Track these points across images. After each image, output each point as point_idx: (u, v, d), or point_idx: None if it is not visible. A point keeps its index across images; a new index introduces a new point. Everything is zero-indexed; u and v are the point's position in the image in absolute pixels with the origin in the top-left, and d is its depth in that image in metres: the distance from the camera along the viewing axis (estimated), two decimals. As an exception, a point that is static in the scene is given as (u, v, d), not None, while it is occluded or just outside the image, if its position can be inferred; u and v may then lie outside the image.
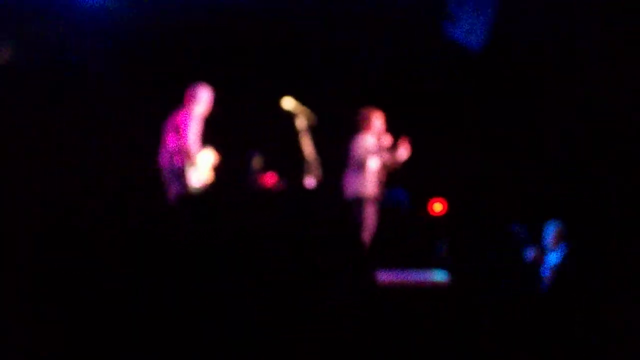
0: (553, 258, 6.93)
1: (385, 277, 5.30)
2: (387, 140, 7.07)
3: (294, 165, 6.86)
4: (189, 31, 8.44)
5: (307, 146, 6.68)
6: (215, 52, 8.52)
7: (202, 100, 6.83)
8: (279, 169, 7.27)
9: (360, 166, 6.97)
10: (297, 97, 6.77)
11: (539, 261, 6.94)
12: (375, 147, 6.97)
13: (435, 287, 5.23)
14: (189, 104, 6.77)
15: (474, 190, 8.65)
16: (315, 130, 6.74)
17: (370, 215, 6.94)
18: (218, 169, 6.92)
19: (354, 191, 6.92)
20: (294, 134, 6.73)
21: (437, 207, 8.81)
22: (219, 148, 6.99)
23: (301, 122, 6.73)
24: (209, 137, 6.93)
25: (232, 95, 8.06)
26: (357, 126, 7.08)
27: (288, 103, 6.72)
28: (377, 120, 7.08)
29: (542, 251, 7.07)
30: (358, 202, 6.88)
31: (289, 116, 6.75)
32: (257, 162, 7.01)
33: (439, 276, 5.78)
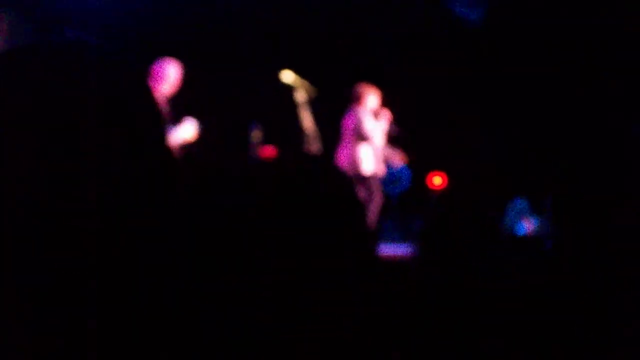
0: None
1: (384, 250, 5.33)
2: (386, 115, 7.06)
3: (293, 138, 6.88)
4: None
5: (307, 119, 6.70)
6: (216, 24, 8.49)
7: (167, 77, 6.13)
8: (278, 142, 7.28)
9: (352, 141, 6.96)
10: (297, 70, 6.77)
11: (538, 233, 6.99)
12: (367, 123, 6.94)
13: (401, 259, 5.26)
14: (154, 83, 6.07)
15: (474, 165, 8.69)
16: (315, 104, 6.75)
17: (366, 191, 6.95)
18: (218, 141, 6.91)
19: (347, 166, 6.91)
20: (293, 107, 6.75)
21: (437, 180, 8.84)
22: (218, 121, 6.98)
23: (301, 96, 6.73)
24: (209, 110, 6.89)
25: (232, 68, 8.06)
26: (351, 101, 7.06)
27: (287, 76, 6.71)
28: (372, 96, 7.06)
29: (542, 223, 7.11)
30: (355, 178, 6.88)
31: (289, 89, 6.77)
32: (256, 135, 7.01)
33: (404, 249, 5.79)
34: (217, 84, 7.08)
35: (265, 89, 7.72)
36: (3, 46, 7.46)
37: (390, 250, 5.94)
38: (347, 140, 7.00)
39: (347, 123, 7.00)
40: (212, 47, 7.28)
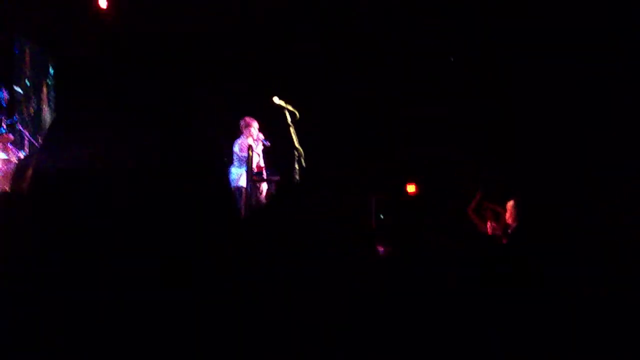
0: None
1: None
2: (265, 144, 8.53)
3: (284, 154, 7.89)
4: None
5: (294, 138, 7.68)
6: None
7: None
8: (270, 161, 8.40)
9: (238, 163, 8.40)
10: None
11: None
12: (247, 147, 8.19)
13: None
14: None
15: (444, 174, 9.63)
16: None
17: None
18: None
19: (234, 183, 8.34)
20: (284, 126, 7.73)
21: (410, 188, 9.85)
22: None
23: (289, 117, 7.71)
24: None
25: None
26: (238, 131, 8.54)
27: (277, 100, 7.69)
28: (254, 127, 8.47)
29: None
30: (238, 191, 8.22)
31: (280, 111, 7.74)
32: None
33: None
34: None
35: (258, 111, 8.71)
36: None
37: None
38: (235, 161, 8.49)
39: (233, 148, 8.50)
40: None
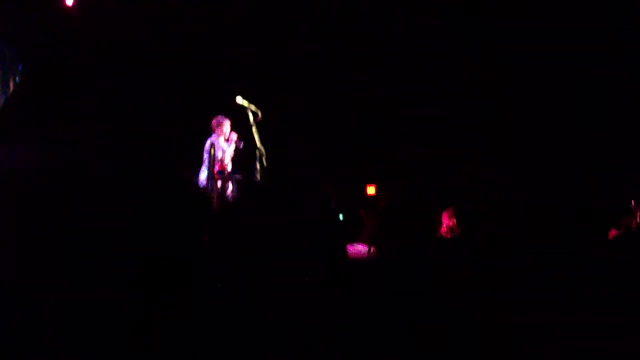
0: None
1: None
2: (234, 138, 8.53)
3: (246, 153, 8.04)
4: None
5: (256, 138, 7.82)
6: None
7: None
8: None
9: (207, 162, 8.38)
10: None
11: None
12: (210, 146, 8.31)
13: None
14: None
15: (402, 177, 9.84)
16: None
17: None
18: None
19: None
20: (247, 126, 7.87)
21: (370, 190, 10.05)
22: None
23: (251, 117, 7.86)
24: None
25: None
26: (210, 129, 8.51)
27: (240, 100, 7.83)
28: (226, 125, 8.49)
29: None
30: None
31: (242, 110, 7.88)
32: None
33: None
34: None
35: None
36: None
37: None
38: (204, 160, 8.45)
39: (205, 147, 8.43)
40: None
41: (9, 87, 10.30)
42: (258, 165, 7.80)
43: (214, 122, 8.59)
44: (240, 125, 7.96)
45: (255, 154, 7.81)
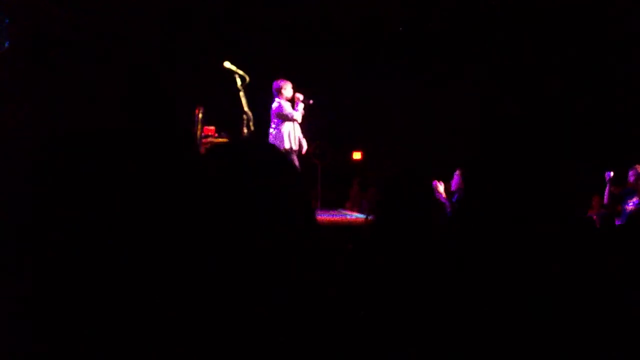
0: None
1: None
2: (299, 99, 8.28)
3: (232, 119, 8.03)
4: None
5: (244, 102, 7.84)
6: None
7: None
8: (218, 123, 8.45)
9: (278, 124, 8.19)
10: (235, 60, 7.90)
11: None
12: (288, 109, 8.16)
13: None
14: None
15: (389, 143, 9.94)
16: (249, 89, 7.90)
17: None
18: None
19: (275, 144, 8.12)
20: (233, 91, 7.88)
21: (356, 155, 10.13)
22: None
23: (239, 81, 7.87)
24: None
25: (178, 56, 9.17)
26: (273, 93, 8.26)
27: (228, 64, 7.83)
28: (288, 87, 8.22)
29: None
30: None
31: (230, 75, 7.88)
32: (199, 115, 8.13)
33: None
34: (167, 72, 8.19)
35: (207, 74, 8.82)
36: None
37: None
38: (273, 122, 8.21)
39: (272, 110, 8.20)
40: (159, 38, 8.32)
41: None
42: (245, 130, 7.83)
43: (275, 85, 8.30)
44: (228, 90, 7.95)
45: (243, 119, 7.83)
